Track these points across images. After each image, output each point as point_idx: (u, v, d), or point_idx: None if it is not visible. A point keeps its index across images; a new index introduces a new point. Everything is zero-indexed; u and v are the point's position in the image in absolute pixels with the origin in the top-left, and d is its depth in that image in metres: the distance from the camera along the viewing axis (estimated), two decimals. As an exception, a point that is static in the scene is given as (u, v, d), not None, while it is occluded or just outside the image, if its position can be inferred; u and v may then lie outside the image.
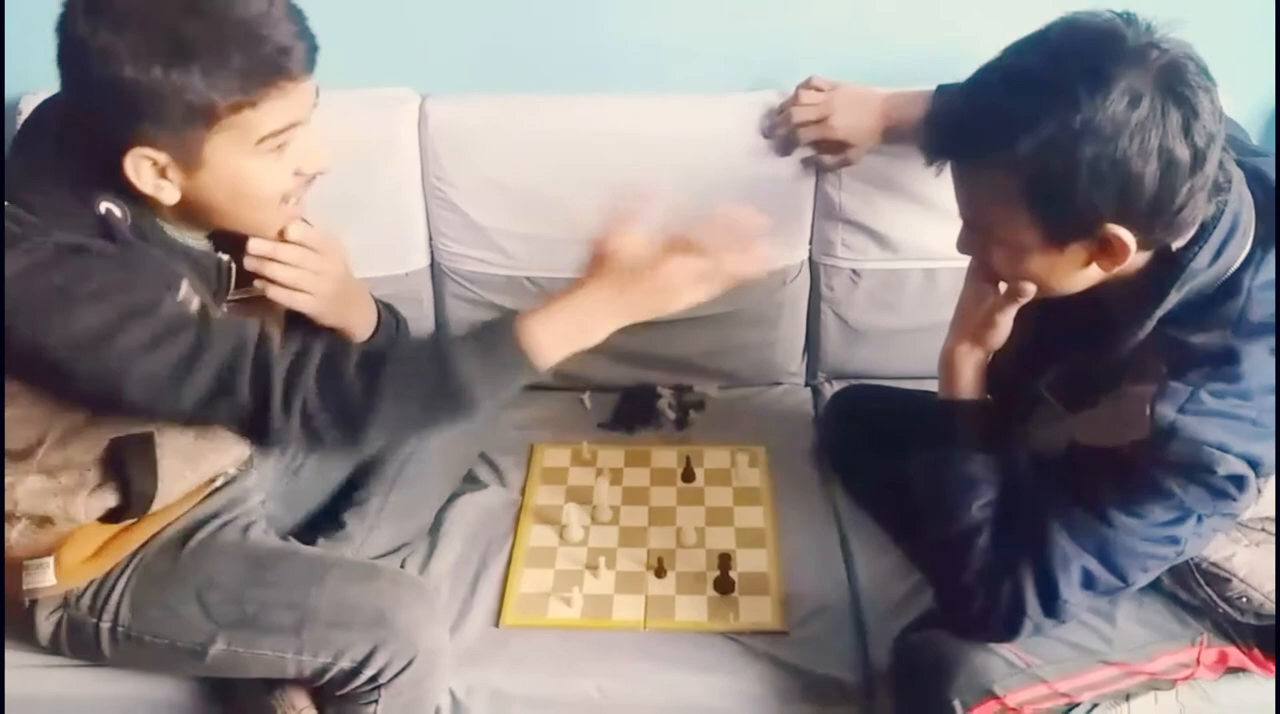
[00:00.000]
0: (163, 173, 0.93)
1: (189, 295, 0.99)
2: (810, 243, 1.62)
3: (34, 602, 1.16)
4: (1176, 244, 0.91)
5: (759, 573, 1.35)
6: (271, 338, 0.96)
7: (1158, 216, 0.87)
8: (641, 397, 1.67)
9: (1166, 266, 0.92)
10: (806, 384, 1.75)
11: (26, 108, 1.51)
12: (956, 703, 1.05)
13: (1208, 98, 0.85)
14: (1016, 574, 0.99)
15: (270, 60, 0.88)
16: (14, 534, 1.10)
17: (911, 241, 1.57)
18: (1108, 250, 0.90)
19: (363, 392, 0.93)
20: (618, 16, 1.58)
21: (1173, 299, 0.92)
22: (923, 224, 1.55)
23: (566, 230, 1.58)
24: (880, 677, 1.21)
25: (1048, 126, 0.84)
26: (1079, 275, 0.94)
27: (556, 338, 0.98)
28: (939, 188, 1.58)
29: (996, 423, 1.09)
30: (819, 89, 1.46)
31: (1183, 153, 0.84)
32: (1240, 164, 0.97)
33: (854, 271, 1.61)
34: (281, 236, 1.04)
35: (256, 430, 0.95)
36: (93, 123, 0.91)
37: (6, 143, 1.51)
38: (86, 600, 1.15)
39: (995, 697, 1.05)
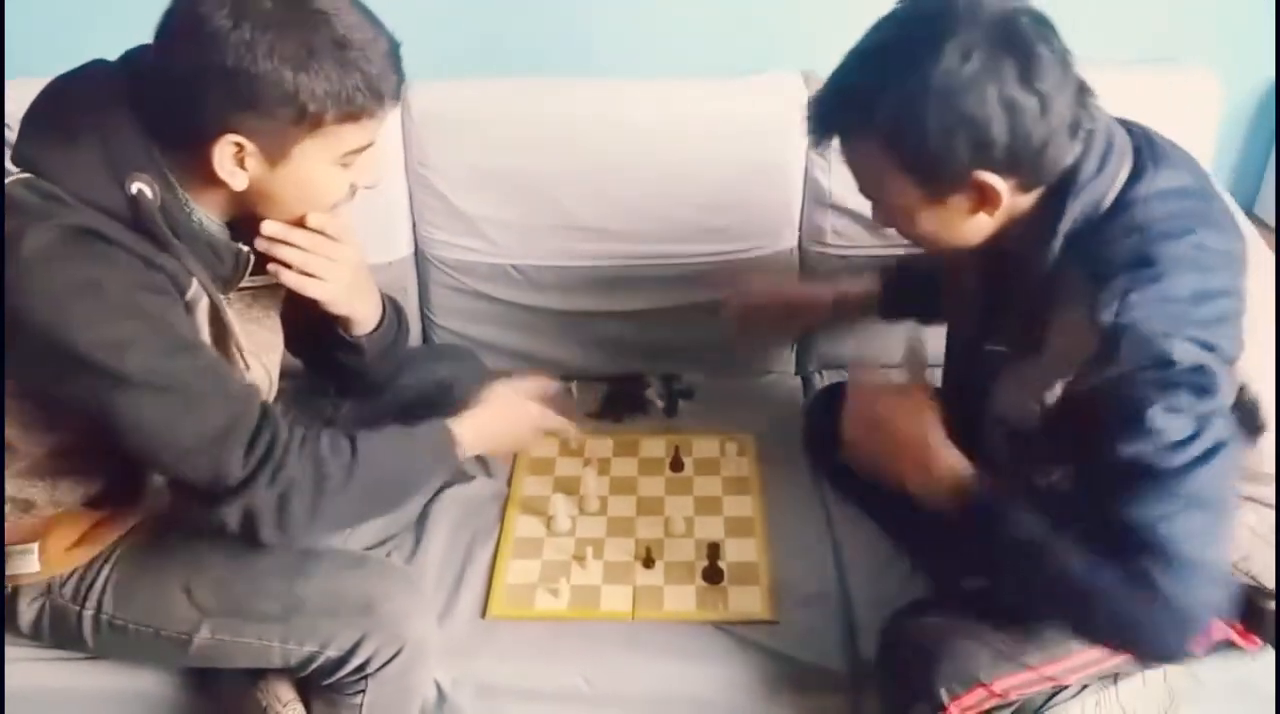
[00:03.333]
0: (241, 162, 0.95)
1: (197, 293, 1.01)
2: (800, 229, 1.61)
3: (15, 589, 1.14)
4: (1054, 177, 0.96)
5: (748, 562, 1.34)
6: (275, 411, 1.02)
7: (1021, 160, 0.92)
8: (629, 386, 1.66)
9: (1057, 190, 0.96)
10: (796, 373, 1.74)
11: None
12: (943, 690, 1.05)
13: (1046, 45, 0.90)
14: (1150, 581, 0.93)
15: (375, 85, 0.94)
16: None
17: (901, 228, 1.56)
18: (985, 197, 0.95)
19: (338, 504, 1.03)
20: (604, 1, 1.57)
21: (1074, 210, 0.95)
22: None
23: (552, 217, 1.58)
24: (868, 666, 1.21)
25: (892, 93, 0.90)
26: (971, 225, 0.98)
27: (471, 443, 1.18)
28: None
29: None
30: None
31: (1026, 99, 0.89)
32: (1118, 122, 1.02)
33: (843, 258, 1.60)
34: (301, 222, 1.06)
35: (220, 497, 0.98)
36: (188, 104, 0.92)
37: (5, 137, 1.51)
38: (69, 588, 1.14)
39: (982, 684, 1.05)
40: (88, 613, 1.14)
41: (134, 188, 0.95)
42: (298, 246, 1.06)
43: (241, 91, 0.90)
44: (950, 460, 1.04)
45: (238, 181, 0.96)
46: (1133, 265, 0.92)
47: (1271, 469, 1.03)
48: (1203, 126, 1.56)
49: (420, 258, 1.63)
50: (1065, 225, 0.95)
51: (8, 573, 1.11)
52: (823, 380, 1.68)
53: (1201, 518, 0.91)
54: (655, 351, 1.68)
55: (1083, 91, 0.94)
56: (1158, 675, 1.13)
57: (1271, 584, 1.07)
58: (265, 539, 1.00)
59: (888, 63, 0.92)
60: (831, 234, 1.59)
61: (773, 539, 1.38)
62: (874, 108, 0.91)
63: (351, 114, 0.94)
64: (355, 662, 1.12)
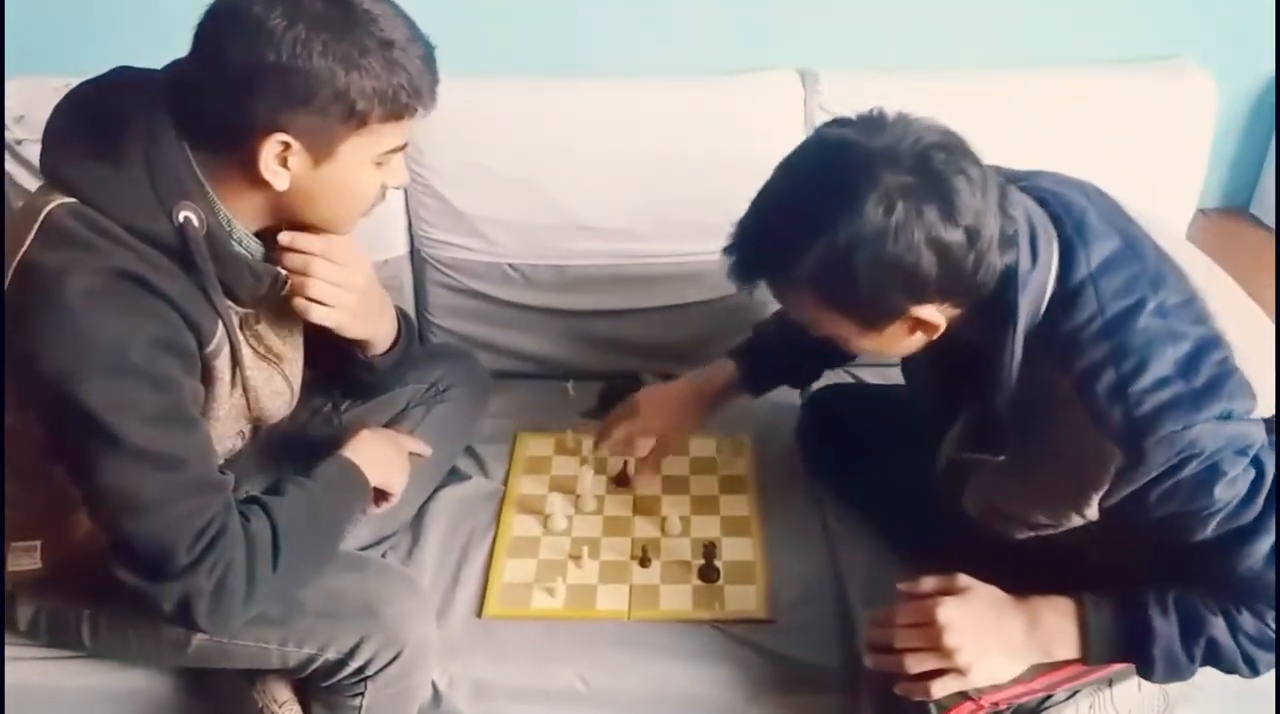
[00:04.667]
0: (284, 161, 0.96)
1: (220, 341, 1.02)
2: (796, 229, 1.61)
3: (14, 588, 1.14)
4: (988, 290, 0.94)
5: (744, 561, 1.34)
6: (233, 502, 1.02)
7: (952, 290, 0.91)
8: (625, 385, 1.65)
9: (1001, 287, 0.94)
10: (792, 372, 1.73)
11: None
12: (932, 707, 1.04)
13: (963, 177, 0.88)
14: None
15: (417, 86, 0.96)
16: None
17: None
18: (921, 324, 0.94)
19: (271, 581, 1.03)
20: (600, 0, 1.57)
21: (1025, 307, 0.94)
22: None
23: (549, 216, 1.57)
24: (864, 665, 1.21)
25: (815, 251, 0.89)
26: (911, 342, 0.98)
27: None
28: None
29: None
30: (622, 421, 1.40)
31: (953, 236, 0.88)
32: (1025, 191, 1.00)
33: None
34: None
35: (159, 579, 0.98)
36: (238, 102, 0.92)
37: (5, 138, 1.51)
38: (69, 587, 1.13)
39: (970, 698, 1.04)
40: (86, 613, 1.14)
41: (181, 216, 0.96)
42: (301, 270, 1.06)
43: (295, 88, 0.91)
44: (1043, 604, 1.02)
45: (280, 181, 0.97)
46: (1111, 359, 0.91)
47: None
48: (1199, 125, 1.57)
49: (416, 256, 1.63)
50: (1022, 323, 0.94)
51: (10, 569, 1.10)
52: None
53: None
54: (652, 350, 1.68)
55: (1003, 197, 0.92)
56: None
57: None
58: (200, 623, 1.00)
59: (807, 216, 0.89)
60: (828, 233, 1.59)
61: (769, 538, 1.38)
62: (799, 261, 0.90)
63: (395, 113, 0.96)
64: (355, 664, 1.11)
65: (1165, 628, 0.98)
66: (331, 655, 1.11)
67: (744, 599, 1.29)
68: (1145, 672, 1.00)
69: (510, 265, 1.61)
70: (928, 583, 1.05)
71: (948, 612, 1.01)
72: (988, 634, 1.01)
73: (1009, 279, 0.93)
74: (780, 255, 0.92)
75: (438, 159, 1.54)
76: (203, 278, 0.98)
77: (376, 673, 1.12)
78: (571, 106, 1.54)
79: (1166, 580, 1.00)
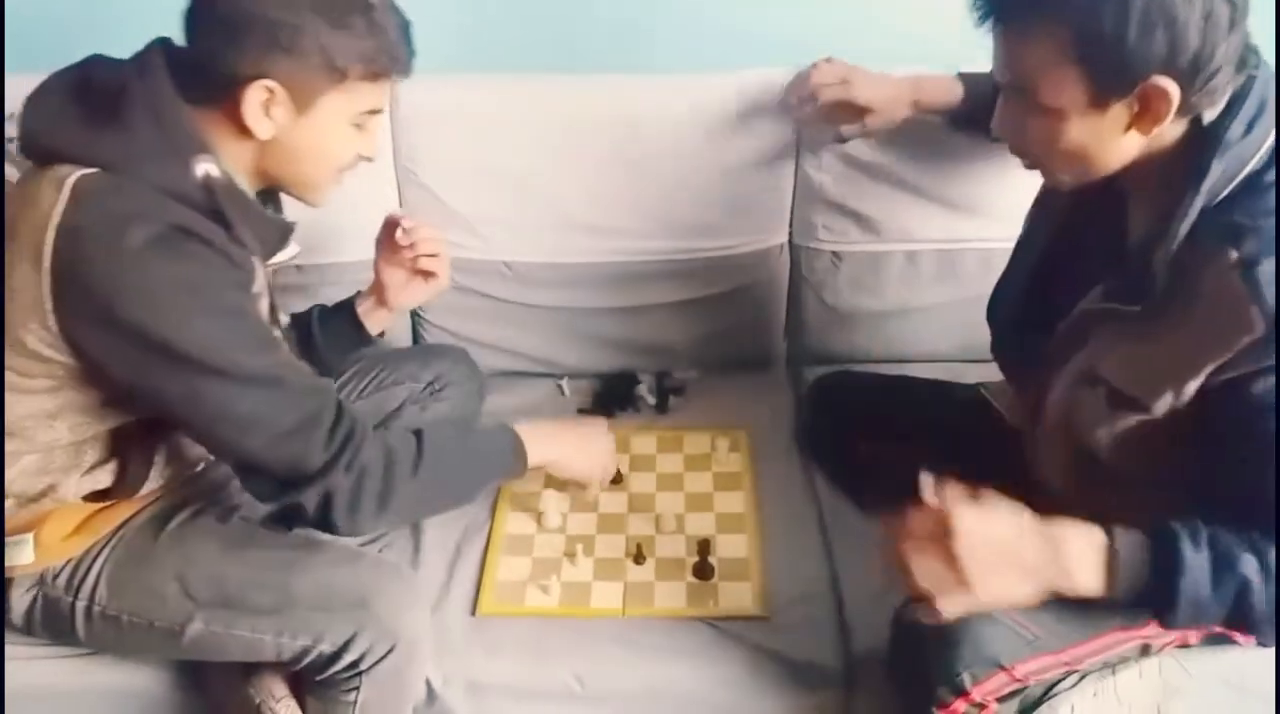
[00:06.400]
0: (268, 110, 1.00)
1: (261, 285, 1.08)
2: (791, 226, 1.61)
3: (9, 580, 1.14)
4: (1209, 116, 0.94)
5: (739, 558, 1.34)
6: (348, 403, 1.09)
7: (1198, 72, 0.89)
8: (621, 382, 1.66)
9: (1200, 144, 0.94)
10: (788, 368, 1.74)
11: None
12: (965, 675, 1.02)
13: None
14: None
15: (395, 50, 1.03)
16: None
17: (893, 224, 1.57)
18: (1149, 108, 0.92)
19: (407, 493, 1.09)
20: (593, -4, 1.57)
21: (1215, 171, 0.93)
22: (904, 206, 1.54)
23: (543, 214, 1.57)
24: (860, 661, 1.21)
25: None
26: (1118, 144, 0.95)
27: (538, 454, 1.25)
28: (920, 170, 1.57)
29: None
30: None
31: (1222, 7, 0.88)
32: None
33: (835, 254, 1.60)
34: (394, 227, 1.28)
35: (299, 483, 1.04)
36: (226, 49, 0.97)
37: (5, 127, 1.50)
38: (63, 579, 1.14)
39: (1003, 668, 1.03)
40: (80, 604, 1.14)
41: (200, 170, 0.99)
42: (430, 239, 1.27)
43: (279, 36, 0.97)
44: (1067, 527, 0.93)
45: (264, 129, 1.00)
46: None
47: None
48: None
49: (410, 254, 1.63)
50: (1207, 183, 0.93)
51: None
52: (813, 374, 1.67)
53: None
54: (647, 348, 1.68)
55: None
56: (1153, 667, 1.13)
57: None
58: (337, 523, 1.06)
59: None
60: (822, 230, 1.59)
61: (764, 535, 1.38)
62: None
63: (373, 73, 1.02)
64: (349, 657, 1.11)
65: (1196, 560, 0.90)
66: (326, 648, 1.11)
67: (739, 596, 1.28)
68: (1168, 610, 0.92)
69: (505, 263, 1.61)
70: (950, 491, 0.95)
71: (965, 520, 0.91)
72: (1004, 550, 0.92)
73: (1212, 138, 0.93)
74: None
75: (432, 157, 1.54)
76: (236, 230, 1.02)
77: (371, 667, 1.12)
78: (566, 104, 1.53)
79: (1196, 510, 0.94)
